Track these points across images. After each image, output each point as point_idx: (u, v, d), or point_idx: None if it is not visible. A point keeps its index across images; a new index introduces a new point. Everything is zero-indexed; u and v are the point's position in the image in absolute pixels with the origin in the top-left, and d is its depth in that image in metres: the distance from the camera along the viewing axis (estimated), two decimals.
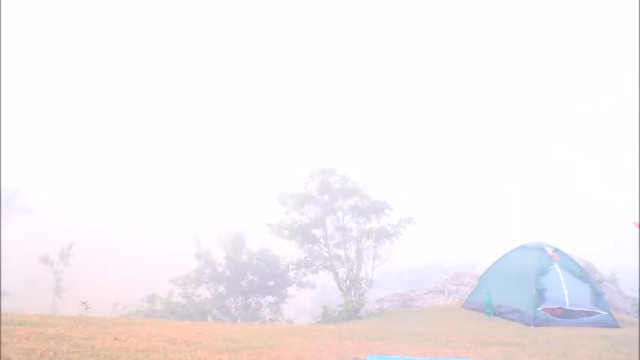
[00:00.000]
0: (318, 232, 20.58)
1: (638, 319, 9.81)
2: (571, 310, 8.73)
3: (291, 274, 21.21)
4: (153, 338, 4.18)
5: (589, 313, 8.71)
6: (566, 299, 8.77)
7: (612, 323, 8.52)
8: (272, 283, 21.33)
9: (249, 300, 21.21)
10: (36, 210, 53.05)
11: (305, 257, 20.10)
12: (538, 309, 8.66)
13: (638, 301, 13.06)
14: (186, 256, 23.21)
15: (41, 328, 4.39)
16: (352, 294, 18.58)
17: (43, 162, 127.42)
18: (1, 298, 21.76)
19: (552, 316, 8.65)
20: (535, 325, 8.31)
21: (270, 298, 21.29)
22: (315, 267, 20.13)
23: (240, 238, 22.65)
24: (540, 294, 8.80)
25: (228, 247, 22.37)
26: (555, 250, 9.57)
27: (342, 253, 20.49)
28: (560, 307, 8.76)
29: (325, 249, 20.33)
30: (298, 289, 21.41)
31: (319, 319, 14.30)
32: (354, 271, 19.98)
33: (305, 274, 20.86)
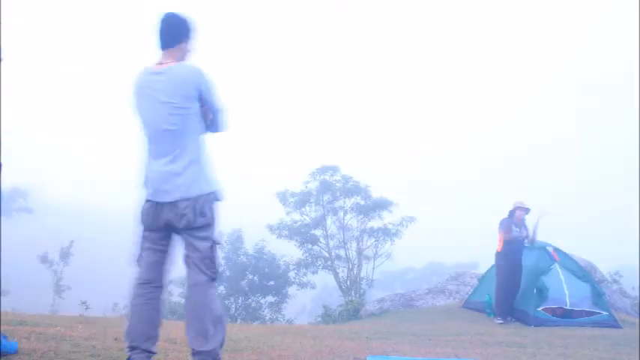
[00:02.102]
0: (318, 232, 20.59)
1: (638, 319, 9.81)
2: (571, 310, 8.72)
3: (292, 274, 21.18)
4: None
5: (589, 313, 8.70)
6: (567, 299, 8.76)
7: (613, 323, 8.51)
8: (272, 282, 21.30)
9: (250, 300, 21.19)
10: (36, 210, 53.06)
11: (305, 257, 20.11)
12: (538, 309, 8.64)
13: (638, 301, 13.07)
14: None
15: (41, 328, 4.38)
16: (352, 294, 18.59)
17: (43, 161, 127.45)
18: (1, 298, 21.72)
19: (552, 316, 8.63)
20: (535, 325, 8.30)
21: (270, 298, 21.26)
22: (315, 267, 20.14)
23: (239, 238, 22.61)
24: (541, 294, 8.78)
25: (225, 247, 22.33)
26: (556, 249, 9.56)
27: (342, 253, 20.50)
28: (561, 307, 8.74)
29: (326, 249, 20.33)
30: (299, 289, 21.40)
31: (319, 319, 14.29)
32: (355, 271, 19.99)
33: (305, 274, 20.86)
